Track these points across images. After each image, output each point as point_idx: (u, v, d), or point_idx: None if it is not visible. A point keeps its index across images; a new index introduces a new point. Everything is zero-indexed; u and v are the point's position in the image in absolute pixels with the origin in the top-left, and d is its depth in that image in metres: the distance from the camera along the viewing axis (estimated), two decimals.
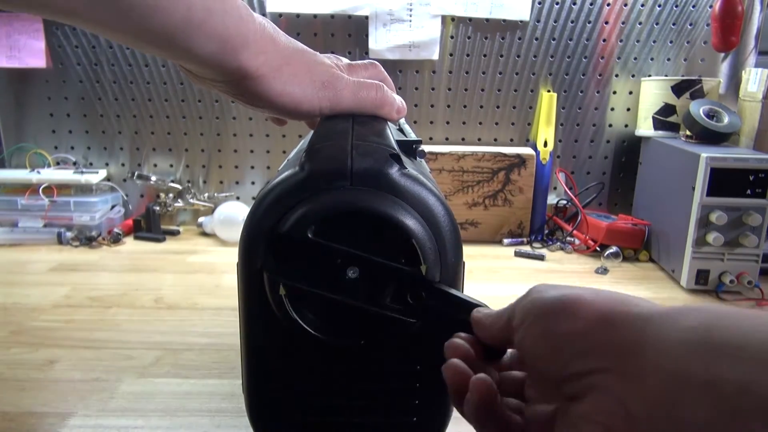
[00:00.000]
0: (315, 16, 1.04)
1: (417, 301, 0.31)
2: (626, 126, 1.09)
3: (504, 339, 0.28)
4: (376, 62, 0.46)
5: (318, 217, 0.30)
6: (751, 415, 0.17)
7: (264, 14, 1.03)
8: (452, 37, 1.06)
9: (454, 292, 0.31)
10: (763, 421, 0.17)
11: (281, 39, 0.37)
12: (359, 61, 0.45)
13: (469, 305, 0.30)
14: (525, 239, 1.05)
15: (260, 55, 0.36)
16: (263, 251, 0.31)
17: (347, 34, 1.05)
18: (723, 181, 0.80)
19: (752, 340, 0.18)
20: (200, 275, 0.87)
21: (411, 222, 0.31)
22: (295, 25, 1.04)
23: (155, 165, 1.12)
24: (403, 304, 0.31)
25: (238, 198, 1.12)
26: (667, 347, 0.20)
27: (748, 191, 0.80)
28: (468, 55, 1.07)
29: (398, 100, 0.43)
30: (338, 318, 0.32)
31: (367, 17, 1.03)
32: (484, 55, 1.07)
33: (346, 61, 0.44)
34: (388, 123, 0.43)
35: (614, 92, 1.08)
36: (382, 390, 0.34)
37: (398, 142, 0.37)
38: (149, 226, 1.05)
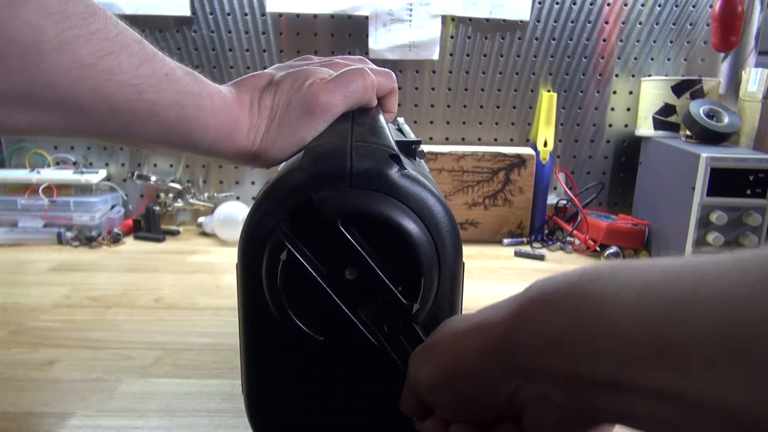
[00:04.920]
0: (315, 16, 1.04)
1: (389, 330, 0.31)
2: (626, 126, 1.09)
3: (426, 408, 0.30)
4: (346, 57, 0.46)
5: (355, 212, 0.30)
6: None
7: (264, 14, 1.03)
8: (452, 37, 1.06)
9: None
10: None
11: (265, 101, 0.39)
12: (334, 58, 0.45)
13: None
14: (525, 239, 1.05)
15: (251, 130, 0.38)
16: (286, 213, 0.31)
17: (347, 34, 1.05)
18: (723, 181, 0.80)
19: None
20: (200, 275, 0.87)
21: (415, 231, 0.30)
22: (295, 25, 1.04)
23: (155, 165, 1.12)
24: (377, 324, 0.31)
25: (238, 198, 1.12)
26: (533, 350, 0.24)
27: (748, 191, 0.80)
28: (468, 55, 1.07)
29: (372, 78, 0.42)
30: (331, 318, 0.31)
31: (367, 17, 1.03)
32: (484, 55, 1.07)
33: (316, 59, 0.44)
34: (389, 123, 0.43)
35: (614, 92, 1.08)
36: (381, 390, 0.34)
37: (398, 142, 0.37)
38: (149, 226, 1.05)
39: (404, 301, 0.31)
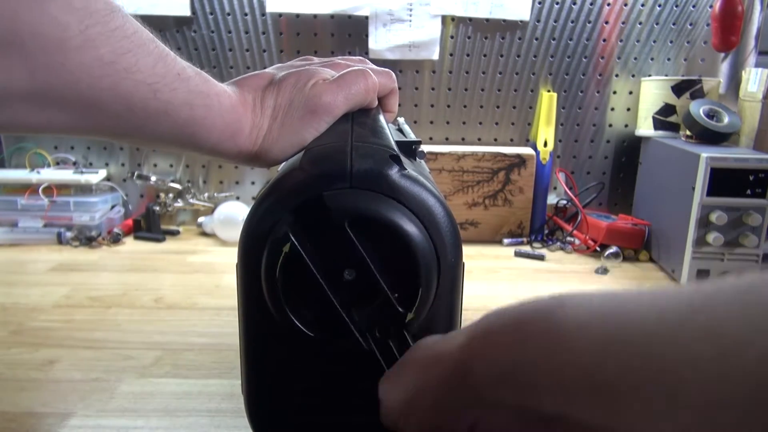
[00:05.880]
0: (315, 16, 1.04)
1: (380, 334, 0.31)
2: (626, 126, 1.10)
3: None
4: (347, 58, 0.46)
5: (356, 213, 0.30)
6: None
7: (264, 14, 1.03)
8: (452, 37, 1.06)
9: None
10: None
11: (268, 101, 0.39)
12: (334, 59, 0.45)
13: None
14: (525, 239, 1.05)
15: (253, 130, 0.38)
16: (294, 207, 0.31)
17: (347, 34, 1.05)
18: (723, 181, 0.80)
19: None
20: (200, 275, 0.87)
21: (415, 235, 0.30)
22: (295, 25, 1.04)
23: (155, 165, 1.12)
24: (369, 327, 0.31)
25: (238, 198, 1.12)
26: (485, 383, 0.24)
27: (748, 191, 0.80)
28: (468, 55, 1.07)
29: (374, 79, 0.42)
30: (325, 316, 0.31)
31: (367, 17, 1.03)
32: (484, 55, 1.07)
33: (317, 59, 0.45)
34: (389, 123, 0.43)
35: (614, 92, 1.08)
36: None
37: (398, 142, 0.37)
38: (149, 226, 1.05)
39: (399, 308, 0.31)
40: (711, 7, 1.02)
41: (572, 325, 0.21)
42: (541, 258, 0.97)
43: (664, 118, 1.00)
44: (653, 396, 0.17)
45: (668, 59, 1.06)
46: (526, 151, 1.05)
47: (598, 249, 0.97)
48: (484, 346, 0.24)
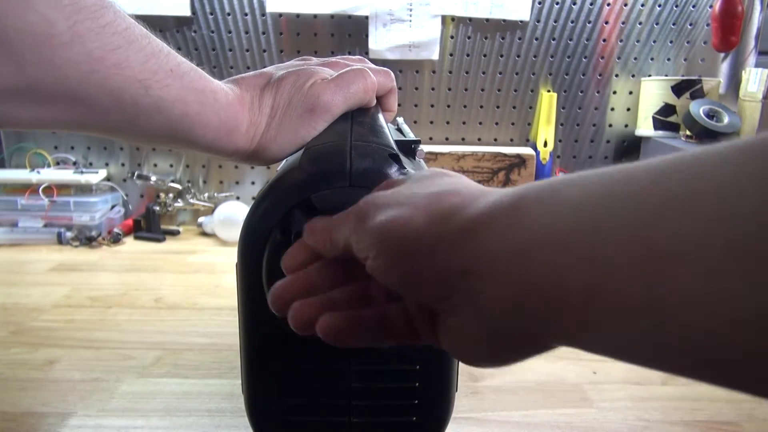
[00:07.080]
0: (315, 16, 1.04)
1: None
2: (626, 126, 1.10)
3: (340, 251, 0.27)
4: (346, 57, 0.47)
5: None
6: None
7: (264, 14, 1.03)
8: (452, 37, 1.06)
9: None
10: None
11: (266, 100, 0.39)
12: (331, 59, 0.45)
13: None
14: None
15: (251, 128, 0.38)
16: (285, 213, 0.31)
17: (347, 34, 1.05)
18: None
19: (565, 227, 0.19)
20: (200, 275, 0.87)
21: None
22: (295, 25, 1.04)
23: (155, 165, 1.12)
24: None
25: (238, 198, 1.12)
26: (496, 261, 0.21)
27: None
28: (468, 55, 1.07)
29: (373, 78, 0.41)
30: None
31: (367, 17, 1.03)
32: (484, 55, 1.07)
33: (315, 60, 0.45)
34: (388, 123, 0.43)
35: (614, 92, 1.08)
36: (382, 390, 0.34)
37: (397, 142, 0.37)
38: (149, 226, 1.05)
39: None
40: (711, 7, 1.02)
41: (620, 192, 0.19)
42: None
43: (664, 118, 1.00)
44: (725, 255, 0.15)
45: (668, 59, 1.06)
46: (526, 151, 1.05)
47: None
48: (505, 219, 0.22)
